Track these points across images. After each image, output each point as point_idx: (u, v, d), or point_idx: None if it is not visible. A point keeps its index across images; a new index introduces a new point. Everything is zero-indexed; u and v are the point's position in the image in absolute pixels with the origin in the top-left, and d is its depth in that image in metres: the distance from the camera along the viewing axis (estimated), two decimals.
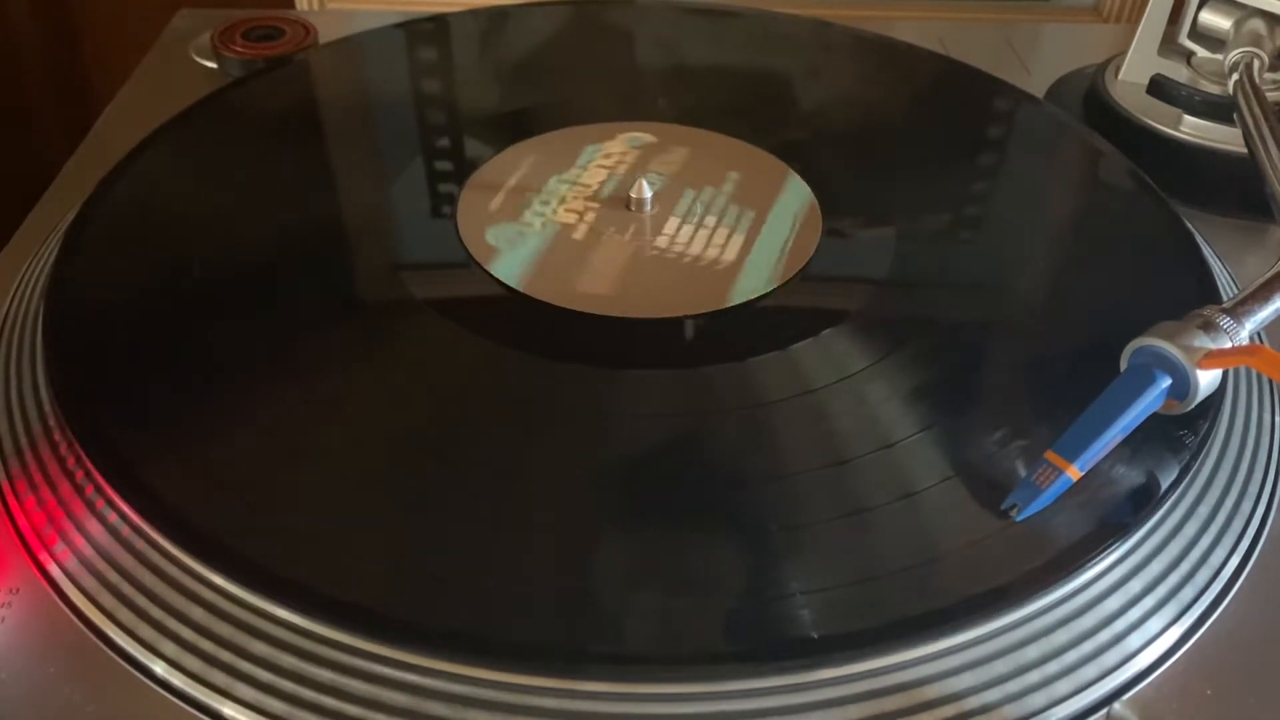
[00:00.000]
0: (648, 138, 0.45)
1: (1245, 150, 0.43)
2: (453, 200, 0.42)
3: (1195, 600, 0.30)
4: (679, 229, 0.40)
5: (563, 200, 0.42)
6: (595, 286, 0.37)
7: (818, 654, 0.26)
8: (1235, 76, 0.45)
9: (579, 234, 0.40)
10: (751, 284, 0.37)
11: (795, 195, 0.42)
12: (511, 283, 0.37)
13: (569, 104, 0.48)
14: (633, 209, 0.41)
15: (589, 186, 0.43)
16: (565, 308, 0.36)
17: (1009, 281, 0.40)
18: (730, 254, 0.39)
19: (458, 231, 0.40)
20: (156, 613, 0.28)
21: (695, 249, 0.39)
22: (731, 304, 0.37)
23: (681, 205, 0.41)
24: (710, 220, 0.41)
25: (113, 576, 0.29)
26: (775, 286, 0.37)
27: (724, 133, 0.46)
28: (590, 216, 0.41)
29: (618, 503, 0.31)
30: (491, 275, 0.38)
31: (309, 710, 0.26)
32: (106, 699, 0.27)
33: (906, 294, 0.38)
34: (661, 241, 0.40)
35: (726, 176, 0.43)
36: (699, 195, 0.42)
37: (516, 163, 0.44)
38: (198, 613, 0.28)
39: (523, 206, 0.41)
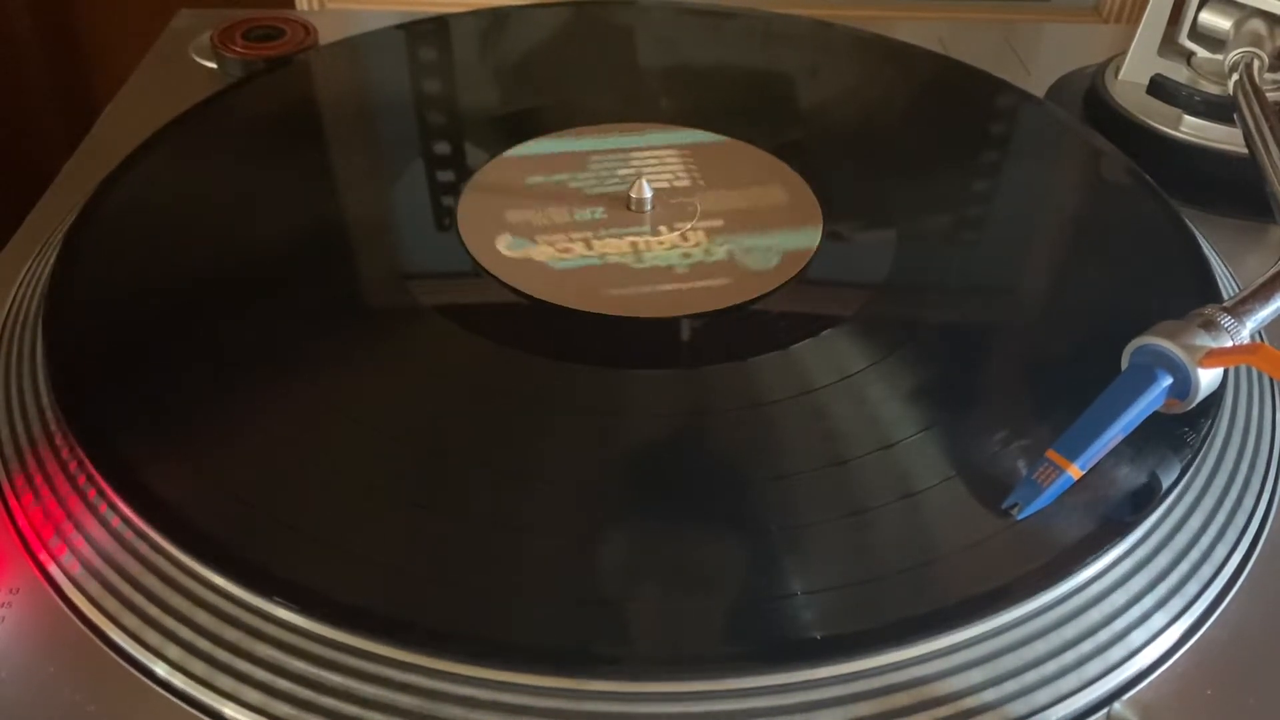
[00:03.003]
0: (712, 138, 0.45)
1: (1245, 150, 0.43)
2: (454, 201, 0.42)
3: (1196, 599, 0.30)
4: (655, 236, 0.40)
5: (581, 182, 0.43)
6: (531, 256, 0.39)
7: (820, 654, 0.26)
8: (1235, 76, 0.45)
9: (559, 212, 0.41)
10: (685, 303, 0.37)
11: (798, 238, 0.40)
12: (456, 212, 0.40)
13: (570, 105, 0.48)
14: (632, 208, 0.41)
15: (616, 177, 0.43)
16: (566, 307, 0.36)
17: (1010, 281, 0.40)
18: (684, 269, 0.38)
19: (459, 233, 0.40)
20: (157, 613, 0.28)
21: (655, 257, 0.39)
22: (654, 316, 0.36)
23: (677, 217, 0.41)
24: (692, 236, 0.40)
25: (113, 577, 0.29)
26: (714, 309, 0.37)
27: (722, 132, 0.46)
28: (587, 199, 0.42)
29: (619, 503, 0.30)
30: (490, 272, 0.38)
31: (310, 712, 0.26)
32: (107, 699, 0.27)
33: (907, 294, 0.38)
34: (626, 242, 0.40)
35: (752, 203, 0.42)
36: (695, 218, 0.41)
37: (544, 150, 0.45)
38: (198, 614, 0.28)
39: (559, 169, 0.43)
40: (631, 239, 0.40)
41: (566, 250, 0.39)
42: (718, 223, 0.41)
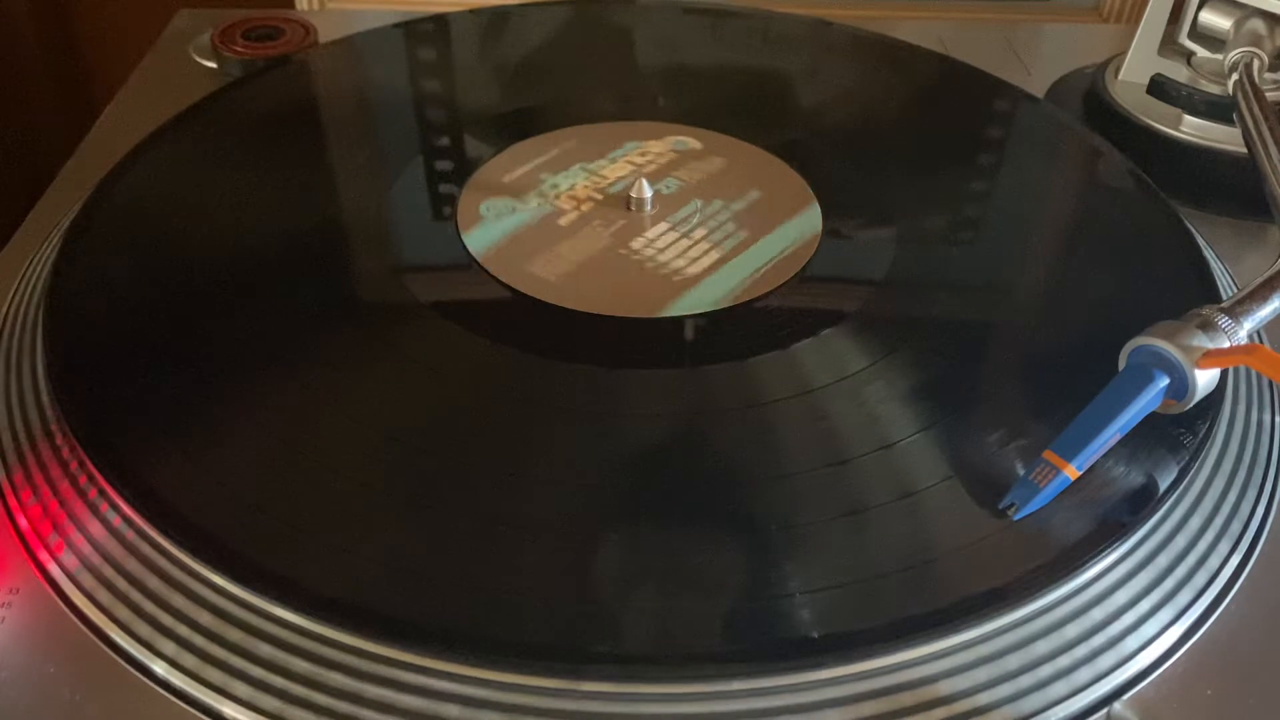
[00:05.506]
0: (692, 142, 0.45)
1: (1245, 150, 0.43)
2: (453, 200, 0.42)
3: (1195, 600, 0.30)
4: (664, 235, 0.40)
5: (571, 188, 0.42)
6: (546, 271, 0.38)
7: (817, 654, 0.26)
8: (1235, 76, 0.45)
9: (566, 220, 0.41)
10: (698, 300, 0.37)
11: (803, 224, 0.41)
12: (475, 252, 0.39)
13: (569, 104, 0.48)
14: (633, 209, 0.41)
15: (606, 179, 0.43)
16: (566, 307, 0.36)
17: (1008, 281, 0.40)
18: (696, 268, 0.38)
19: (458, 232, 0.40)
20: (156, 612, 0.28)
21: (666, 256, 0.39)
22: (666, 315, 0.36)
23: (681, 213, 0.41)
24: (699, 233, 0.40)
25: (112, 576, 0.29)
26: (721, 307, 0.37)
27: (722, 132, 0.46)
28: (586, 207, 0.41)
29: (618, 502, 0.31)
30: (472, 255, 0.38)
31: (307, 709, 0.26)
32: (106, 699, 0.27)
33: (906, 294, 0.38)
34: (637, 243, 0.40)
35: (745, 194, 0.42)
36: (704, 206, 0.42)
37: (532, 153, 0.44)
38: (198, 612, 0.28)
39: (531, 186, 0.42)
40: (640, 238, 0.40)
41: (544, 232, 0.39)
42: (722, 215, 0.41)
